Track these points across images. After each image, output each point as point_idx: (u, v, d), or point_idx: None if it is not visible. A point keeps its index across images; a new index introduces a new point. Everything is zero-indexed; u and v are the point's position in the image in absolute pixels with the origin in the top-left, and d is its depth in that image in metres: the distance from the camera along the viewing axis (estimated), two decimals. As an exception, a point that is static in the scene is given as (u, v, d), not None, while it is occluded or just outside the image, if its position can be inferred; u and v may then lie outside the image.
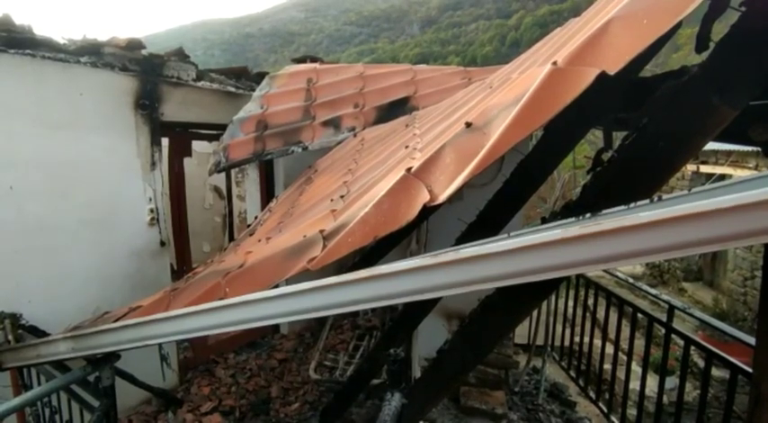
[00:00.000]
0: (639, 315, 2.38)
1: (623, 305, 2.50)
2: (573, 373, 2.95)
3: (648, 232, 0.66)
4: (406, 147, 1.64)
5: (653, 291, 2.47)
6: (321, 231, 1.21)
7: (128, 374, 2.85)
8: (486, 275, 0.79)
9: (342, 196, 1.60)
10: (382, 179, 1.28)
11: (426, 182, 1.01)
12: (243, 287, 1.30)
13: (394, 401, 1.30)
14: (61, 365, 1.93)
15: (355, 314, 4.72)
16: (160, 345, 3.28)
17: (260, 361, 3.95)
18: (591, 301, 2.79)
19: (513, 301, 1.29)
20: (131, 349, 1.50)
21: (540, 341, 3.21)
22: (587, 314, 2.90)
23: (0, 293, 2.36)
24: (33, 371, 2.21)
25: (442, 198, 0.92)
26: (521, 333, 3.34)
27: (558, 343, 3.51)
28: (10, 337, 2.08)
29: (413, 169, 1.07)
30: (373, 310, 4.70)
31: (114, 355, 1.82)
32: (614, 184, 1.01)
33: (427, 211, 0.96)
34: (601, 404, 2.52)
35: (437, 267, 0.83)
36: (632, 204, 0.88)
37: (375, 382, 3.37)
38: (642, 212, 0.66)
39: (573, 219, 1.00)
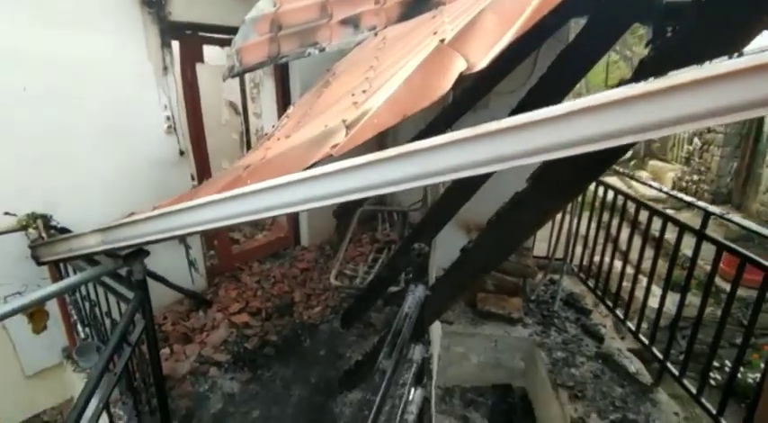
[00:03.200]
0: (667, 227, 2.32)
1: (652, 215, 2.42)
2: (591, 284, 2.98)
3: (732, 83, 0.56)
4: (435, 33, 1.49)
5: (688, 197, 2.37)
6: (344, 121, 1.12)
7: (159, 276, 3.01)
8: (534, 147, 0.70)
9: (364, 91, 1.49)
10: (411, 59, 1.16)
11: (463, 51, 0.90)
12: (264, 178, 1.26)
13: (418, 292, 1.31)
14: (94, 261, 2.00)
15: (374, 228, 4.78)
16: (187, 250, 3.40)
17: (283, 270, 4.10)
18: (615, 221, 2.71)
19: (547, 194, 1.22)
20: (157, 242, 1.52)
21: (559, 255, 3.22)
22: (609, 234, 2.84)
23: (29, 197, 2.41)
24: (70, 269, 2.31)
25: (481, 64, 0.81)
26: (540, 247, 3.34)
27: (576, 262, 3.53)
28: (43, 235, 2.15)
29: (446, 40, 0.95)
30: (391, 224, 4.74)
31: (143, 252, 1.87)
32: (678, 54, 0.87)
33: (465, 91, 0.86)
34: (618, 312, 2.57)
35: (479, 139, 0.75)
36: (706, 62, 0.76)
37: (393, 289, 3.48)
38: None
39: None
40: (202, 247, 3.62)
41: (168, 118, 3.07)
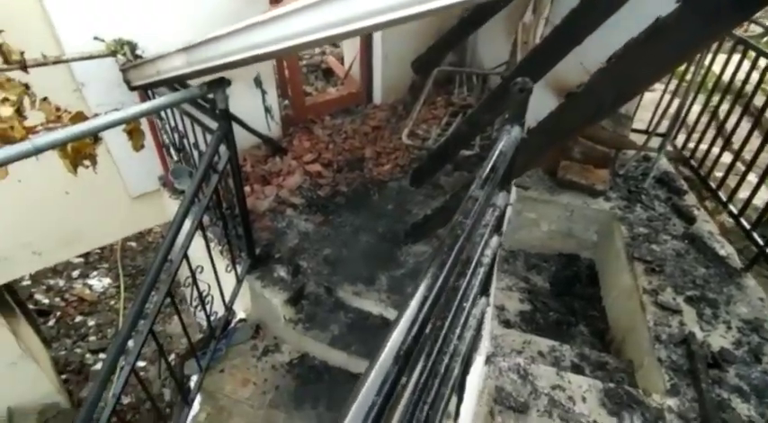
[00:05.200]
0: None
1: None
2: (694, 163, 2.66)
3: None
4: None
5: None
6: None
7: (238, 119, 3.07)
8: None
9: None
10: None
11: None
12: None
13: (514, 133, 1.18)
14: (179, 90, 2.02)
15: (450, 91, 4.47)
16: (263, 96, 3.40)
17: (354, 126, 4.05)
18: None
19: (705, 17, 0.96)
20: (237, 65, 1.46)
21: (661, 130, 2.85)
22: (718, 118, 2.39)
23: (115, 26, 2.39)
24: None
25: None
26: (642, 117, 2.96)
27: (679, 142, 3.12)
28: (131, 61, 2.18)
29: None
30: (469, 88, 4.40)
31: (225, 81, 1.84)
32: None
33: None
34: (721, 194, 2.31)
35: None
36: None
37: (466, 153, 3.35)
38: None
39: None
40: (277, 95, 3.60)
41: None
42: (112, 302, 4.73)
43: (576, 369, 1.66)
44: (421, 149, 3.66)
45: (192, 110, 2.35)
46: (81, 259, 5.09)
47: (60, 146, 1.52)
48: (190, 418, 2.34)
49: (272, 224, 2.91)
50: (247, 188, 3.13)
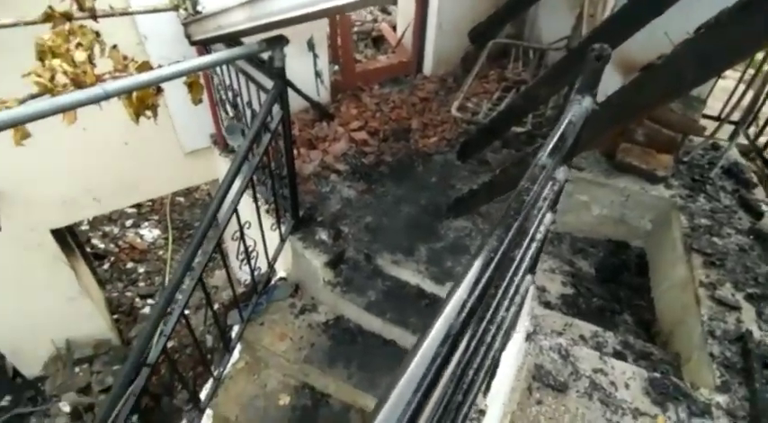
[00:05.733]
0: None
1: None
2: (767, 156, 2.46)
3: None
4: None
5: None
6: None
7: (289, 81, 3.08)
8: None
9: None
10: None
11: None
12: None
13: (585, 103, 1.12)
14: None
15: (504, 65, 4.30)
16: (315, 60, 3.38)
17: (402, 96, 3.99)
18: None
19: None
20: (302, 17, 1.45)
21: (734, 118, 2.63)
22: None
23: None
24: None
25: None
26: (713, 105, 2.74)
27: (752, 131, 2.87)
28: (192, 13, 2.20)
29: None
30: (525, 63, 4.22)
31: (283, 38, 1.84)
32: None
33: None
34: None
35: None
36: None
37: (517, 129, 3.24)
38: None
39: None
40: (328, 61, 3.58)
41: None
42: (161, 252, 5.00)
43: (619, 356, 1.62)
44: (470, 123, 3.57)
45: (248, 67, 2.38)
46: (134, 210, 5.38)
47: (127, 93, 1.58)
48: (230, 364, 2.47)
49: (316, 188, 2.95)
50: (294, 151, 3.17)
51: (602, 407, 1.29)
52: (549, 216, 1.37)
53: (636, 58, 2.47)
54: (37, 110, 1.29)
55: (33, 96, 1.63)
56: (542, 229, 1.28)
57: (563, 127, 0.98)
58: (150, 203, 5.50)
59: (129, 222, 5.24)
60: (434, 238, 2.68)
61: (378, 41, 5.60)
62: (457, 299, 0.58)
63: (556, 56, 3.93)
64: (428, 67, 4.26)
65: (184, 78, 1.85)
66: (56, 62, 1.48)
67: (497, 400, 1.40)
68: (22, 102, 1.53)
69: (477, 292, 0.59)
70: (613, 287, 2.23)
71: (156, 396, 3.27)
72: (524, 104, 2.49)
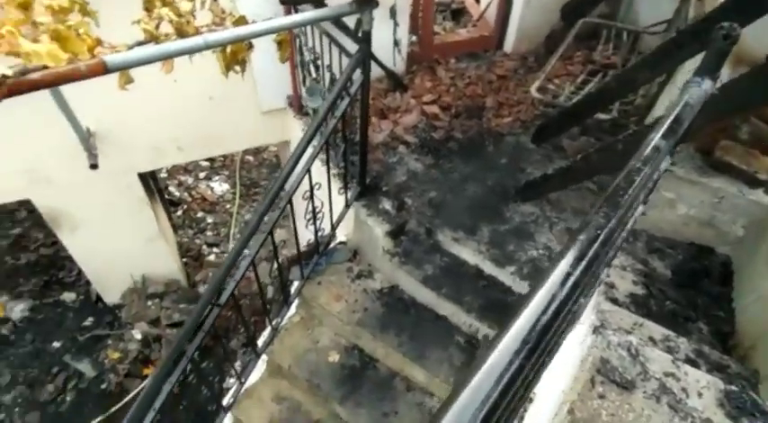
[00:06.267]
0: None
1: None
2: None
3: None
4: None
5: None
6: None
7: (368, 48, 3.07)
8: None
9: None
10: None
11: None
12: None
13: (705, 86, 1.02)
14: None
15: (592, 47, 4.02)
16: (395, 28, 3.33)
17: (479, 72, 3.86)
18: None
19: None
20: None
21: None
22: None
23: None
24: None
25: None
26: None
27: None
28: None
29: None
30: (616, 47, 3.92)
31: (374, 1, 1.82)
32: None
33: None
34: None
35: None
36: None
37: (603, 116, 3.05)
38: None
39: None
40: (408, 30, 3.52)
41: None
42: (228, 206, 5.29)
43: (691, 364, 1.52)
44: (548, 106, 3.40)
45: (333, 30, 2.39)
46: (207, 163, 5.70)
47: (223, 46, 1.64)
48: (287, 317, 2.60)
49: (384, 158, 2.96)
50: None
51: (671, 411, 1.23)
52: (640, 208, 1.29)
53: (750, 48, 2.20)
54: (146, 54, 1.38)
55: (140, 43, 1.73)
56: (634, 217, 1.21)
57: (679, 108, 0.90)
58: (222, 159, 5.79)
59: (202, 174, 5.57)
60: (499, 220, 2.62)
61: (457, 14, 5.40)
62: (560, 271, 0.56)
63: (651, 41, 3.61)
64: (509, 43, 4.07)
65: (275, 36, 1.89)
66: (163, 11, 1.56)
67: (556, 386, 1.38)
68: (130, 48, 1.63)
69: (581, 267, 0.57)
70: (691, 293, 2.08)
71: (215, 337, 3.52)
72: (617, 89, 2.33)
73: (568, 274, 0.56)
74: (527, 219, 2.63)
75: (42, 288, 4.00)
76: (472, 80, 3.76)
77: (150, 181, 3.77)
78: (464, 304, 2.29)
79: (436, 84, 3.67)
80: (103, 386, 3.52)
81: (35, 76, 1.21)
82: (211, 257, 4.63)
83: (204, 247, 4.75)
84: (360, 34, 1.96)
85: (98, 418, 3.35)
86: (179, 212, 5.07)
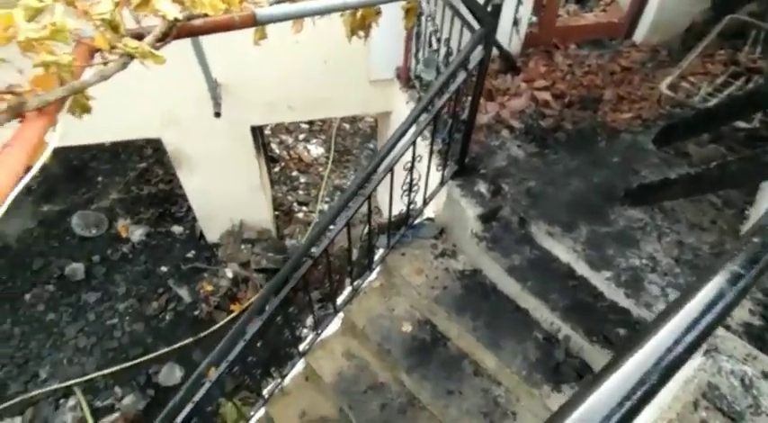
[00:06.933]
0: None
1: None
2: None
3: None
4: None
5: None
6: None
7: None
8: None
9: None
10: None
11: None
12: None
13: None
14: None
15: (737, 47, 3.54)
16: (518, 6, 3.17)
17: (601, 61, 3.57)
18: None
19: None
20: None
21: None
22: None
23: None
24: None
25: None
26: None
27: None
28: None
29: None
30: (765, 50, 3.41)
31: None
32: None
33: None
34: None
35: None
36: None
37: (741, 125, 2.70)
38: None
39: None
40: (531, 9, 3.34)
41: None
42: (320, 169, 5.54)
43: (814, 412, 1.35)
44: (678, 106, 3.08)
45: (456, 1, 2.33)
46: (306, 126, 5.97)
47: (358, 8, 1.68)
48: (367, 281, 2.70)
49: (485, 140, 2.88)
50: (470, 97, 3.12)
51: (782, 455, 1.11)
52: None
53: None
54: (290, 10, 1.46)
55: (278, 1, 1.83)
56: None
57: None
58: (320, 123, 6.04)
59: (301, 136, 5.86)
60: (600, 221, 2.46)
61: (584, -4, 5.01)
62: (728, 271, 0.52)
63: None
64: (641, 32, 3.70)
65: (403, 3, 1.89)
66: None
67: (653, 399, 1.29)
68: (271, 3, 1.73)
69: (753, 271, 0.52)
70: (821, 336, 1.81)
71: (294, 289, 3.76)
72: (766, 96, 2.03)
73: (739, 276, 0.51)
74: (633, 224, 2.44)
75: (158, 218, 4.54)
76: (592, 69, 3.50)
77: (258, 136, 4.05)
78: (549, 301, 2.21)
79: (551, 69, 3.46)
80: (196, 313, 3.95)
81: (197, 22, 1.34)
82: (300, 215, 4.91)
83: (295, 204, 5.04)
84: (489, 8, 1.90)
85: (189, 340, 3.79)
86: (276, 169, 5.40)
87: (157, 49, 1.17)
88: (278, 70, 3.15)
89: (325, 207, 5.04)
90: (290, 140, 5.76)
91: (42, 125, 0.92)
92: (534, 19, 3.66)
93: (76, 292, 3.97)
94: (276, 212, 4.77)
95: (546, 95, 3.21)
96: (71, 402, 3.38)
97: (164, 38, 1.20)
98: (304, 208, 5.01)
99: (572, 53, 3.66)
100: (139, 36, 1.18)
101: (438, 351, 2.44)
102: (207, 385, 2.08)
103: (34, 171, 0.86)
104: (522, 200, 2.55)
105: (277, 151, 5.57)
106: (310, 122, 5.94)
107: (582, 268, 2.29)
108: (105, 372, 3.55)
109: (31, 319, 3.79)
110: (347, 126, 6.08)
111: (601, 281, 2.23)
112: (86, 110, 1.09)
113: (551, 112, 3.11)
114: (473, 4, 2.10)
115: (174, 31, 1.26)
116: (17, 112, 0.88)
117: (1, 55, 0.93)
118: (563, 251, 2.34)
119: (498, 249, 2.42)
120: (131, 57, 1.08)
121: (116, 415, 3.31)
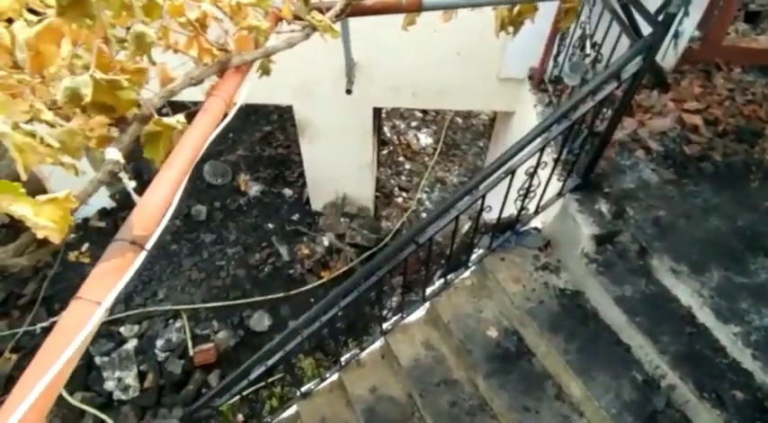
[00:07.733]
0: None
1: None
2: None
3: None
4: None
5: None
6: None
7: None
8: None
9: None
10: None
11: None
12: None
13: None
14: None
15: None
16: (683, 17, 2.87)
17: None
18: None
19: None
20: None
21: None
22: None
23: None
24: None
25: None
26: None
27: None
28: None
29: None
30: None
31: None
32: None
33: None
34: None
35: None
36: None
37: None
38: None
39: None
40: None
41: None
42: (426, 159, 5.58)
43: None
44: None
45: (617, 5, 2.18)
46: (420, 114, 6.03)
47: (518, 3, 1.65)
48: (460, 277, 2.69)
49: (615, 157, 2.68)
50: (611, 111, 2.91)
51: None
52: None
53: None
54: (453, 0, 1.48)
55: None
56: None
57: None
58: (434, 114, 6.05)
59: (413, 124, 5.94)
60: (738, 269, 2.18)
61: (754, 17, 4.36)
62: None
63: None
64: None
65: (559, 3, 1.82)
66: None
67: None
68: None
69: None
70: None
71: (392, 270, 3.88)
72: None
73: None
74: None
75: (273, 178, 4.93)
76: (756, 99, 3.06)
77: (376, 117, 4.18)
78: (659, 343, 2.02)
79: (708, 92, 3.09)
80: (291, 272, 4.26)
81: (369, 2, 1.42)
82: (399, 199, 5.01)
83: (396, 188, 5.15)
84: (661, 16, 1.74)
85: (280, 294, 4.10)
86: (385, 152, 5.55)
87: (334, 23, 1.26)
88: (411, 57, 3.21)
89: (425, 196, 5.08)
90: (402, 126, 5.86)
91: (237, 81, 1.05)
92: (698, 34, 3.28)
93: (197, 231, 4.49)
94: (377, 193, 4.92)
95: (696, 119, 2.88)
96: (177, 324, 3.86)
97: (341, 14, 1.29)
98: (404, 193, 5.10)
99: (735, 77, 3.23)
100: (319, 10, 1.29)
101: (521, 364, 2.37)
102: (299, 339, 2.25)
103: (227, 120, 0.99)
104: (646, 228, 2.34)
105: (388, 135, 5.71)
106: (424, 111, 5.99)
107: (705, 316, 2.05)
108: (208, 305, 3.99)
109: (158, 246, 4.38)
110: (460, 120, 6.03)
111: (726, 335, 1.98)
112: (267, 72, 1.22)
113: (699, 139, 2.79)
114: (641, 11, 1.95)
115: (348, 9, 1.35)
116: (222, 68, 1.02)
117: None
118: (686, 293, 2.12)
119: (609, 275, 2.26)
120: (314, 29, 1.18)
121: (211, 344, 3.72)
